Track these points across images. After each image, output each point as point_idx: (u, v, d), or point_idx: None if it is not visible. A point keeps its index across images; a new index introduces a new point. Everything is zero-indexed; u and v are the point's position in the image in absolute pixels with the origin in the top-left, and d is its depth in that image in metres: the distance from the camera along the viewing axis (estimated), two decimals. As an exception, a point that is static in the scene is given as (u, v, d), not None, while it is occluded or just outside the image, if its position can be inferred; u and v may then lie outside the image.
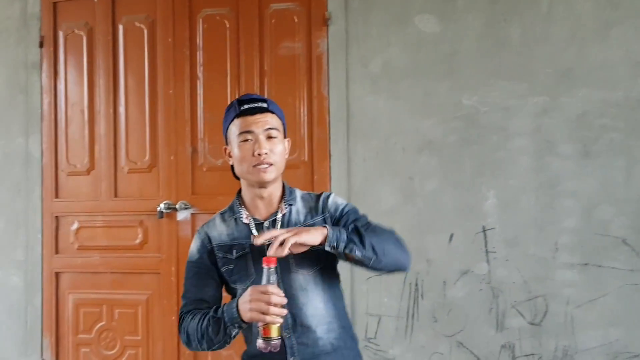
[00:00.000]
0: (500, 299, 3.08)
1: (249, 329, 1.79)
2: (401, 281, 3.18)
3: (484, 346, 3.09)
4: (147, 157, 3.55)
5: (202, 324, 1.75)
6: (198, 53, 3.49)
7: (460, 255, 3.13)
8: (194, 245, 1.90)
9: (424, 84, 3.22)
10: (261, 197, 1.85)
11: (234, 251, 1.83)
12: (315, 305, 1.80)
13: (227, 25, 3.45)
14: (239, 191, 1.93)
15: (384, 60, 3.27)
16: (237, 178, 1.91)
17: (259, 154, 1.78)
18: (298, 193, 1.93)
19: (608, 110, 3.02)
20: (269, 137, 1.81)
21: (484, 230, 3.11)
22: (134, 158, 3.57)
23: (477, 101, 3.15)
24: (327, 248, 1.67)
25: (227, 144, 1.89)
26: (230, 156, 1.88)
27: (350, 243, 1.68)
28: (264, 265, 1.62)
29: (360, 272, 3.20)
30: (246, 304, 1.62)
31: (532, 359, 3.03)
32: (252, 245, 1.80)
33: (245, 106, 1.82)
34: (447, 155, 3.17)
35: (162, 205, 3.45)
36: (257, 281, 1.72)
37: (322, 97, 3.31)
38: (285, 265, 1.78)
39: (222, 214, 1.93)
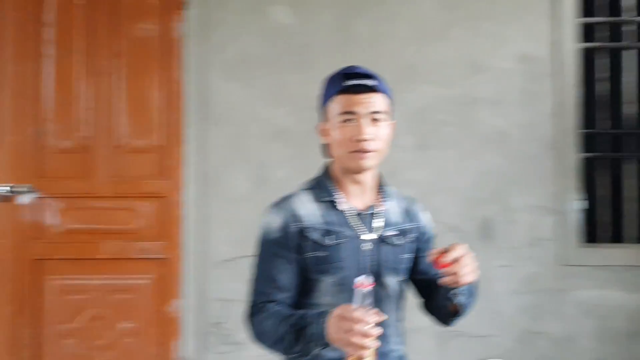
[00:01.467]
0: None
1: None
2: (249, 266, 3.27)
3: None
4: (-12, 137, 3.38)
5: (280, 328, 1.53)
6: (47, 29, 3.35)
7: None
8: (274, 222, 1.64)
9: (278, 73, 3.30)
10: (357, 183, 1.68)
11: (329, 238, 1.61)
12: (393, 316, 1.68)
13: (80, 2, 3.34)
14: (326, 169, 1.75)
15: (240, 48, 3.32)
16: (329, 158, 1.74)
17: (360, 140, 1.59)
18: (389, 188, 1.77)
19: (444, 106, 3.26)
20: (374, 120, 1.61)
21: (329, 217, 3.27)
22: (-29, 138, 3.39)
23: (327, 93, 3.29)
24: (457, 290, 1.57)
25: (323, 120, 1.70)
26: (325, 134, 1.69)
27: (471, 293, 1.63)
28: (359, 288, 1.41)
29: (212, 256, 3.28)
30: (335, 329, 1.39)
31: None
32: (350, 236, 1.63)
33: (351, 82, 1.61)
34: (298, 143, 3.29)
35: (1, 189, 3.30)
36: (349, 277, 1.57)
37: (177, 82, 3.30)
38: (381, 268, 1.65)
39: (308, 190, 1.71)
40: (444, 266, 1.49)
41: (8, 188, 3.30)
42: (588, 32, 3.34)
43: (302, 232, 1.62)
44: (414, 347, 3.17)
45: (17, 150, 3.32)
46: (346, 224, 1.64)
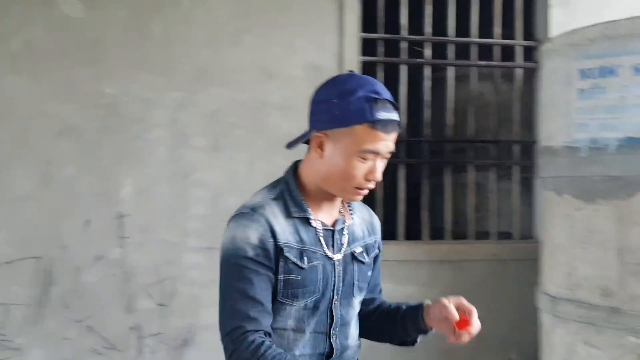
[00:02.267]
0: (131, 283, 3.25)
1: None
2: (32, 269, 3.16)
3: (113, 329, 3.23)
4: None
5: None
6: None
7: (95, 241, 3.22)
8: (252, 234, 1.41)
9: (66, 68, 3.22)
10: (330, 200, 1.52)
11: (305, 259, 1.44)
12: (353, 335, 1.57)
13: None
14: (294, 176, 1.53)
15: (25, 40, 3.18)
16: (292, 148, 1.56)
17: (370, 180, 1.44)
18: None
19: (236, 109, 3.37)
20: (382, 159, 1.46)
21: (119, 217, 3.25)
22: None
23: (119, 91, 3.26)
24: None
25: (319, 130, 1.44)
26: (321, 149, 1.45)
27: None
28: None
29: None
30: None
31: (159, 337, 3.27)
32: (323, 256, 1.48)
33: (384, 116, 1.39)
34: (86, 141, 3.23)
35: None
36: (320, 300, 1.46)
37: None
38: (351, 285, 1.53)
39: (277, 201, 1.48)
40: (466, 326, 1.50)
41: None
42: (370, 47, 3.63)
43: (280, 250, 1.42)
44: (204, 344, 3.27)
45: None
46: (318, 242, 1.48)
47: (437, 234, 3.76)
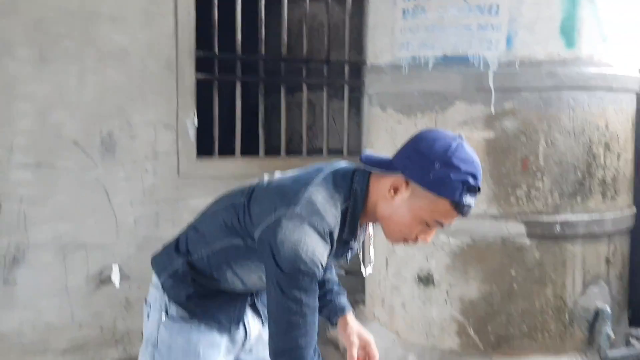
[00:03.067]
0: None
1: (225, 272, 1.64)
2: None
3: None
4: None
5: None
6: None
7: None
8: (322, 255, 1.49)
9: None
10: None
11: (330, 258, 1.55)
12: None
13: None
14: (366, 192, 1.54)
15: None
16: (370, 165, 1.55)
17: (419, 240, 1.55)
18: None
19: (64, 18, 3.21)
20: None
21: None
22: None
23: None
24: None
25: (412, 180, 1.47)
26: (398, 193, 1.49)
27: None
28: None
29: None
30: None
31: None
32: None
33: (468, 202, 1.46)
34: None
35: None
36: None
37: None
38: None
39: (341, 217, 1.52)
40: None
41: None
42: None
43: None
44: (34, 262, 3.20)
45: None
46: (341, 256, 1.63)
47: (272, 151, 3.90)
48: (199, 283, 1.68)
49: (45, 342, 3.26)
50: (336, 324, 1.79)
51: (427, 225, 1.51)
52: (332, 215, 1.49)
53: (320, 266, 1.45)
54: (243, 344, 1.76)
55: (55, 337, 3.28)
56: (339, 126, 4.08)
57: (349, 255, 1.64)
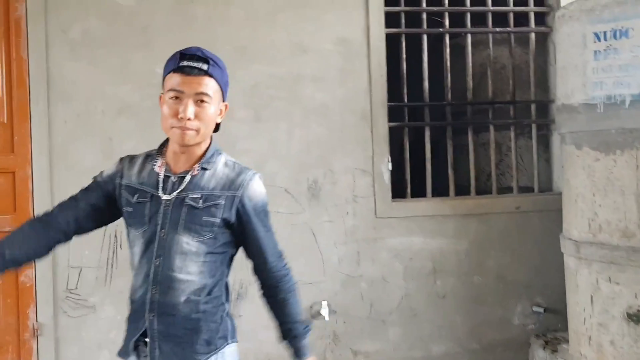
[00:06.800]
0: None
1: (131, 265, 1.86)
2: (101, 234, 3.50)
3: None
4: None
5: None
6: None
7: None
8: (109, 169, 1.90)
9: (120, 52, 3.52)
10: (180, 153, 1.81)
11: (136, 196, 1.81)
12: (190, 271, 1.77)
13: None
14: (168, 138, 1.87)
15: (83, 29, 3.49)
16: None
17: (182, 118, 1.72)
18: (222, 158, 1.87)
19: (274, 83, 3.68)
20: (199, 101, 1.74)
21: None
22: None
23: (168, 71, 3.57)
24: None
25: (163, 90, 1.81)
26: (161, 106, 1.80)
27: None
28: None
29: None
30: None
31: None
32: (153, 195, 1.80)
33: (185, 63, 1.73)
34: (143, 118, 3.54)
35: None
36: (147, 231, 1.78)
37: (22, 60, 3.40)
38: (174, 224, 1.77)
39: (147, 154, 1.91)
40: None
41: None
42: (394, 19, 3.92)
43: (119, 187, 1.85)
44: (255, 297, 3.62)
45: None
46: (156, 185, 1.80)
47: (462, 191, 4.08)
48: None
49: (266, 369, 3.67)
50: None
51: (175, 100, 1.73)
52: (138, 154, 1.92)
53: (104, 175, 1.89)
54: None
55: (274, 366, 3.68)
56: (527, 164, 4.17)
57: (175, 188, 1.79)
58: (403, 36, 3.92)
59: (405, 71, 3.93)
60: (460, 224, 3.89)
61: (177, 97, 1.73)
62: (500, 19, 4.08)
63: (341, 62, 3.77)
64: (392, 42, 3.90)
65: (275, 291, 1.90)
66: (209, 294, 1.80)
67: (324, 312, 3.66)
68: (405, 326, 3.82)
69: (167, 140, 1.87)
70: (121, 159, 1.91)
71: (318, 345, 3.70)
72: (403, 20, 3.92)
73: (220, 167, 1.83)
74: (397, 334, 3.81)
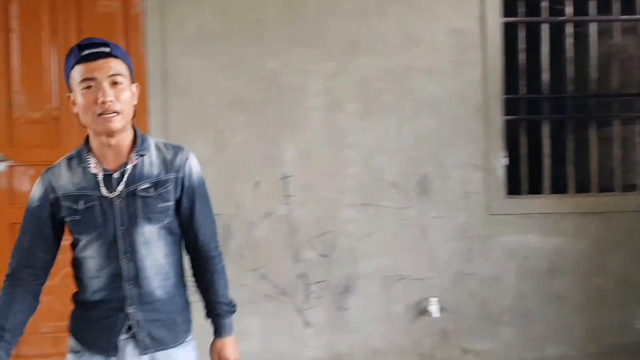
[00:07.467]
0: (296, 236, 3.62)
1: (80, 270, 1.82)
2: (213, 223, 3.59)
3: (283, 277, 3.62)
4: (-42, 109, 3.58)
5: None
6: (11, 6, 3.54)
7: (264, 200, 3.61)
8: (36, 192, 1.79)
9: (232, 47, 3.60)
10: (109, 146, 1.77)
11: (81, 202, 1.76)
12: (156, 257, 1.81)
13: (43, -21, 3.54)
14: (87, 138, 1.81)
15: (198, 24, 3.59)
16: (84, 126, 1.80)
17: (103, 102, 1.69)
18: (152, 142, 1.86)
19: (384, 76, 3.63)
20: (114, 84, 1.71)
21: (284, 178, 3.62)
22: (-55, 109, 3.58)
23: (278, 64, 3.61)
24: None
25: (70, 91, 1.76)
26: (74, 104, 1.75)
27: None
28: None
29: (176, 216, 3.59)
30: None
31: (323, 285, 3.62)
32: (100, 197, 1.77)
33: (87, 51, 1.70)
34: (253, 112, 3.60)
35: (-24, 158, 3.52)
36: (104, 233, 1.76)
37: (140, 56, 3.56)
38: (133, 219, 1.78)
39: (68, 159, 1.81)
40: None
41: (-18, 157, 3.53)
42: (511, 7, 3.75)
43: (57, 201, 1.76)
44: (362, 291, 3.60)
45: (-11, 122, 3.54)
46: (97, 186, 1.76)
47: (582, 188, 3.84)
48: (76, 306, 1.85)
49: (373, 365, 3.64)
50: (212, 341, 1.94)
51: (90, 89, 1.69)
52: (55, 163, 1.81)
53: (31, 199, 1.79)
54: None
55: (380, 361, 3.64)
56: (655, 160, 3.87)
57: (119, 183, 1.76)
58: (521, 25, 3.74)
59: (522, 62, 3.75)
60: (579, 222, 3.67)
61: (89, 87, 1.70)
62: (627, 7, 3.80)
63: (454, 53, 3.66)
64: (509, 32, 3.74)
65: (204, 271, 1.91)
66: (175, 274, 1.86)
67: (433, 309, 3.57)
68: (518, 326, 3.66)
69: (86, 142, 1.82)
70: (41, 177, 1.80)
71: (427, 342, 3.62)
72: (521, 9, 3.74)
73: (154, 150, 1.84)
74: (509, 334, 3.66)
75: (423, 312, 3.60)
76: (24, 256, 1.79)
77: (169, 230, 1.82)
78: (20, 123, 3.57)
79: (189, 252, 1.92)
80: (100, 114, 1.69)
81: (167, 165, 1.82)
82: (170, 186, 1.81)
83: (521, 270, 3.66)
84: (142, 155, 1.80)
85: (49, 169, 1.80)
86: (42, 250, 1.80)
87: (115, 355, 1.78)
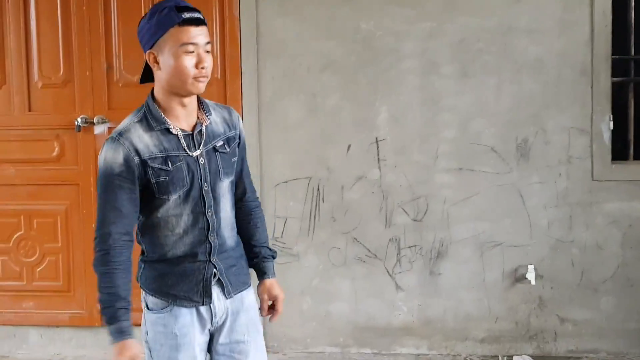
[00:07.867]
0: (388, 200, 3.58)
1: (159, 230, 1.86)
2: (305, 187, 3.60)
3: (375, 240, 3.60)
4: (61, 73, 3.68)
5: (103, 286, 1.79)
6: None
7: (356, 163, 3.58)
8: (116, 157, 1.77)
9: (326, 8, 3.53)
10: (184, 106, 1.83)
11: (170, 162, 1.81)
12: (227, 209, 1.93)
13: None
14: (152, 98, 1.84)
15: (291, -15, 3.55)
16: (145, 82, 1.88)
17: (203, 68, 1.77)
18: (208, 102, 1.95)
19: (483, 35, 3.48)
20: (206, 51, 1.79)
21: (376, 141, 3.56)
22: (47, 73, 3.70)
23: (373, 25, 3.52)
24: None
25: (149, 48, 1.77)
26: (156, 62, 1.77)
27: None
28: None
29: (268, 179, 3.62)
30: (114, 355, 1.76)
31: (414, 249, 3.58)
32: (185, 156, 1.83)
33: (187, 15, 1.75)
34: (346, 74, 3.55)
35: (79, 120, 3.63)
36: (191, 190, 1.83)
37: (234, 18, 3.55)
38: (217, 172, 1.88)
39: (139, 122, 1.82)
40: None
41: (85, 119, 3.64)
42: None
43: (145, 163, 1.78)
44: (456, 257, 3.54)
45: (90, 84, 3.63)
46: (180, 146, 1.82)
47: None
48: (154, 266, 1.89)
49: (465, 330, 3.58)
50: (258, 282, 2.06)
51: (189, 54, 1.74)
52: (125, 123, 1.81)
53: (111, 164, 1.75)
54: (211, 322, 1.91)
55: (474, 327, 3.58)
56: None
57: (200, 142, 1.85)
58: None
59: (633, 20, 3.51)
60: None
61: (190, 52, 1.76)
62: None
63: (559, 11, 3.46)
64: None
65: (249, 218, 2.05)
66: (235, 225, 2.00)
67: (530, 276, 3.47)
68: (620, 296, 3.52)
69: (153, 102, 1.83)
70: (116, 142, 1.77)
71: (522, 310, 3.54)
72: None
73: (212, 110, 1.94)
74: (610, 303, 3.52)
75: (520, 279, 3.51)
76: (123, 223, 1.80)
77: (232, 183, 1.97)
78: (119, 86, 3.65)
79: (235, 203, 2.03)
80: (196, 77, 1.77)
81: (228, 123, 1.95)
82: (236, 142, 1.96)
83: (625, 239, 3.50)
84: (209, 115, 1.91)
85: (121, 133, 1.79)
86: (135, 214, 1.84)
87: (209, 303, 1.89)
